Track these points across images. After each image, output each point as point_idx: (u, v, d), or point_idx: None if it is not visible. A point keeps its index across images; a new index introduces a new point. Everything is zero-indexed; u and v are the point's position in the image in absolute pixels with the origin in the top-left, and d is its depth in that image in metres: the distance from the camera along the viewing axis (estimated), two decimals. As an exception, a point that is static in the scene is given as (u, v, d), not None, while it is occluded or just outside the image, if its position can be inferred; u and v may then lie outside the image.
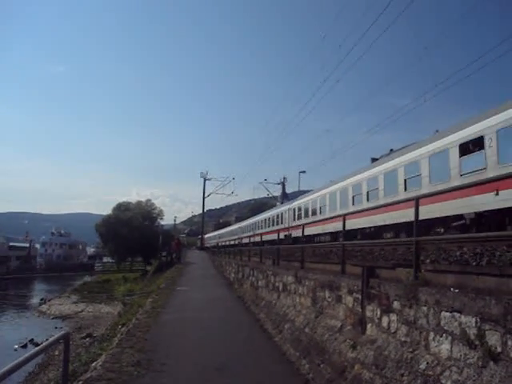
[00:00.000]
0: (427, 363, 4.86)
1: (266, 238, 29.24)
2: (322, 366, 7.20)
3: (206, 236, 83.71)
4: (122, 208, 65.75)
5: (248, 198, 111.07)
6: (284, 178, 60.96)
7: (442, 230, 13.89)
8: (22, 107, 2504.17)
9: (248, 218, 61.50)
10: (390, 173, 17.62)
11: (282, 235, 26.66)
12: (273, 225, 37.54)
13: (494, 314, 4.01)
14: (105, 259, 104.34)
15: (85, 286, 51.37)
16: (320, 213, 25.47)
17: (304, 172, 57.65)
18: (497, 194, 11.17)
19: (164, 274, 30.50)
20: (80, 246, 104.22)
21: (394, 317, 5.88)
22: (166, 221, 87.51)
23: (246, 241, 33.59)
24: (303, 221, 27.14)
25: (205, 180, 68.02)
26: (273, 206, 52.96)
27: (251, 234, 40.32)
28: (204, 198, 69.17)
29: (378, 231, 17.59)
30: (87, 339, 21.95)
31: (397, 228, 15.88)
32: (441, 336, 4.78)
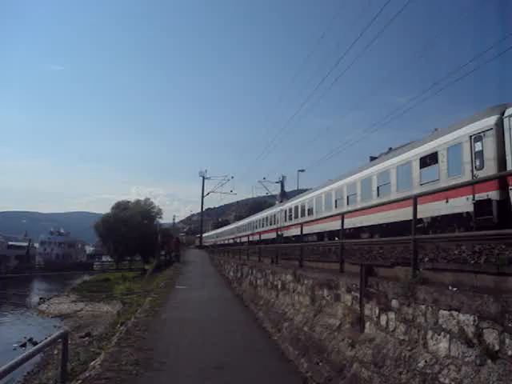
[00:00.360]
0: (425, 361, 4.87)
1: (261, 236, 30.56)
2: (320, 364, 7.21)
3: (205, 235, 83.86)
4: (120, 207, 65.76)
5: (247, 197, 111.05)
6: (283, 177, 60.87)
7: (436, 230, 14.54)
8: (22, 106, 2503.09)
9: (246, 216, 61.61)
10: (366, 180, 19.75)
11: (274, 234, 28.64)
12: (267, 225, 39.44)
13: (492, 312, 4.02)
14: (104, 258, 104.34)
15: (84, 285, 51.36)
16: (308, 214, 27.37)
17: (303, 170, 57.65)
18: (447, 202, 13.21)
19: (163, 273, 30.51)
20: (79, 245, 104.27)
21: (392, 315, 5.89)
22: (165, 220, 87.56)
23: (242, 240, 34.59)
24: (293, 221, 29.18)
25: (204, 179, 67.90)
26: (272, 204, 53.13)
27: (247, 233, 41.14)
28: (203, 197, 69.07)
29: (355, 232, 19.06)
30: (86, 338, 21.92)
31: (372, 229, 17.68)
32: (439, 334, 4.79)
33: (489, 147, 12.71)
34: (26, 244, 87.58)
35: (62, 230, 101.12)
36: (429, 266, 6.40)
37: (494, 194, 12.07)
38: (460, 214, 13.23)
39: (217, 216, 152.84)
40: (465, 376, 4.20)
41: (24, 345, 23.28)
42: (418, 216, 13.47)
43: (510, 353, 3.78)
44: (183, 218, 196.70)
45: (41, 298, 43.26)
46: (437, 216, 13.99)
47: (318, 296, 9.03)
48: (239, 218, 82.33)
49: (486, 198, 12.31)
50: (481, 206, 12.42)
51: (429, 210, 13.76)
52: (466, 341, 4.30)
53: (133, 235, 58.49)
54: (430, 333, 4.98)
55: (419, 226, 14.14)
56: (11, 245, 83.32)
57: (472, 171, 13.14)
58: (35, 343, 20.72)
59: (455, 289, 4.80)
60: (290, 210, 31.97)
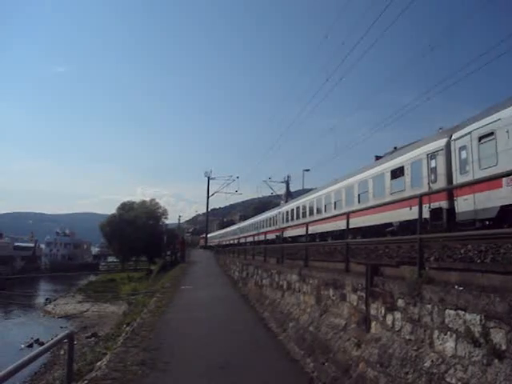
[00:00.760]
0: (432, 361, 4.85)
1: (262, 237, 31.74)
2: (326, 364, 7.19)
3: (209, 235, 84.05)
4: (126, 208, 65.91)
5: (252, 197, 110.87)
6: (288, 177, 60.84)
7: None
8: (26, 107, 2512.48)
9: (251, 216, 61.67)
10: (349, 188, 22.45)
11: (274, 235, 30.85)
12: (267, 226, 41.76)
13: (499, 311, 3.99)
14: (109, 259, 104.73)
15: (90, 286, 51.56)
16: (302, 217, 30.11)
17: (308, 170, 57.46)
18: (410, 209, 14.63)
19: (168, 273, 30.58)
20: (85, 246, 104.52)
21: (398, 315, 5.87)
22: (171, 220, 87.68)
23: (244, 240, 35.47)
24: (289, 223, 32.12)
25: (209, 179, 68.01)
26: (277, 204, 53.27)
27: (249, 234, 42.55)
28: (208, 197, 69.22)
29: (342, 234, 19.96)
30: (92, 338, 22.01)
31: (355, 232, 19.16)
32: (445, 334, 4.76)
33: (440, 164, 15.14)
34: (32, 245, 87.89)
35: (67, 231, 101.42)
36: (435, 266, 6.37)
37: (444, 204, 14.46)
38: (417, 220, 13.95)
39: (222, 216, 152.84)
40: (472, 376, 4.18)
41: (31, 345, 23.40)
42: (389, 220, 16.08)
43: (517, 352, 3.76)
44: (189, 218, 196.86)
45: (47, 299, 43.45)
46: (404, 221, 15.98)
47: (323, 296, 9.01)
48: (244, 218, 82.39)
49: (438, 206, 14.63)
50: (435, 213, 14.77)
51: (397, 215, 16.24)
52: (473, 340, 4.28)
53: (138, 236, 58.57)
54: (436, 332, 4.95)
55: (390, 229, 17.36)
56: (17, 246, 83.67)
57: (429, 183, 15.63)
58: (42, 343, 20.81)
59: (461, 288, 4.78)
60: (287, 212, 34.89)
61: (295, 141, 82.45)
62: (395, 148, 21.47)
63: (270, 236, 34.59)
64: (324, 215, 23.56)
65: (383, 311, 6.29)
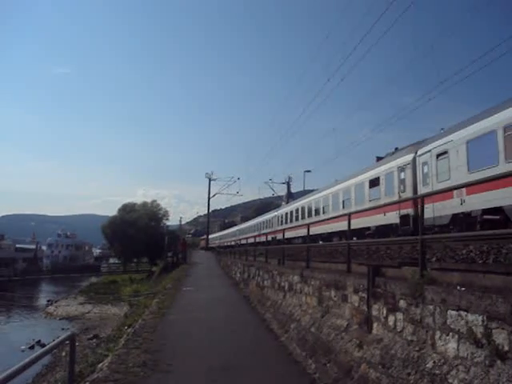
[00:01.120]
0: (434, 362, 4.84)
1: (259, 238, 31.91)
2: (328, 365, 7.18)
3: (210, 237, 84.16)
4: (127, 209, 65.90)
5: (253, 198, 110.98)
6: (289, 178, 60.86)
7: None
8: (28, 109, 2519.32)
9: (252, 218, 61.80)
10: (335, 194, 24.94)
11: (270, 237, 31.49)
12: (265, 228, 43.90)
13: (501, 312, 3.98)
14: (111, 260, 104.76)
15: (91, 287, 51.56)
16: (295, 220, 32.79)
17: (309, 171, 57.39)
18: (384, 215, 17.47)
19: (170, 275, 30.56)
20: (86, 248, 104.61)
21: (400, 316, 5.86)
22: (172, 221, 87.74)
23: (245, 242, 36.10)
24: (284, 226, 33.65)
25: (210, 180, 68.00)
26: (278, 205, 53.44)
27: (247, 235, 43.18)
28: (209, 199, 69.22)
29: (329, 236, 22.89)
30: (94, 340, 22.04)
31: (340, 234, 21.30)
32: (447, 335, 4.75)
33: (408, 176, 17.31)
34: (33, 247, 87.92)
35: (69, 233, 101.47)
36: (436, 266, 6.36)
37: (410, 211, 16.19)
38: (391, 225, 17.63)
39: (223, 217, 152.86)
40: (474, 377, 4.16)
41: (32, 347, 23.41)
42: (368, 225, 18.04)
43: (519, 353, 3.75)
44: (190, 219, 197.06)
45: (48, 301, 43.49)
46: (379, 225, 18.14)
47: (325, 297, 9.01)
48: (245, 219, 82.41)
49: (406, 213, 16.48)
50: (404, 219, 16.67)
51: (374, 220, 18.35)
52: (475, 341, 4.27)
53: (140, 237, 58.57)
54: (438, 333, 4.94)
55: (368, 232, 19.39)
56: (19, 247, 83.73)
57: (399, 193, 17.79)
58: (43, 345, 20.83)
59: (463, 289, 4.77)
60: (282, 216, 37.90)
61: (296, 142, 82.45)
62: (396, 149, 21.46)
63: (268, 237, 34.93)
64: (314, 219, 25.57)
65: (385, 312, 6.28)
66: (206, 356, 8.51)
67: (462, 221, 13.52)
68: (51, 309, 38.52)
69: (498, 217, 12.13)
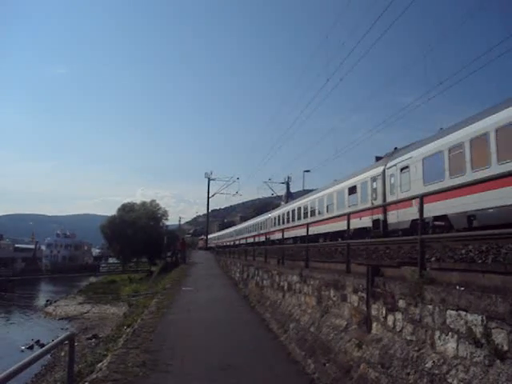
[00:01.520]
0: (433, 362, 4.84)
1: (255, 239, 32.49)
2: (327, 365, 7.18)
3: (209, 237, 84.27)
4: (126, 209, 65.77)
5: (252, 198, 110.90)
6: (288, 178, 60.86)
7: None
8: (26, 109, 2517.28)
9: (251, 218, 61.91)
10: (321, 199, 27.50)
11: (264, 238, 33.43)
12: (259, 229, 46.03)
13: (501, 311, 3.98)
14: (110, 260, 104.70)
15: (90, 287, 51.52)
16: (286, 222, 35.10)
17: (308, 171, 57.27)
18: (360, 219, 19.28)
19: (169, 275, 30.53)
20: (85, 247, 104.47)
21: (399, 315, 5.86)
22: (171, 221, 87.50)
23: (243, 241, 37.43)
24: (276, 227, 36.47)
25: (209, 180, 67.95)
26: (277, 205, 53.58)
27: (244, 236, 44.92)
28: (208, 198, 69.19)
29: (316, 237, 24.19)
30: (93, 340, 22.04)
31: (325, 236, 23.76)
32: (447, 334, 4.75)
33: (379, 186, 19.60)
34: (32, 246, 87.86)
35: (68, 233, 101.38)
36: (436, 266, 6.36)
37: (380, 216, 18.68)
38: (365, 228, 19.76)
39: (223, 217, 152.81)
40: (473, 377, 4.17)
41: (31, 347, 23.40)
42: (345, 227, 16.71)
43: (519, 353, 3.76)
44: (189, 219, 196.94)
45: (47, 301, 43.46)
46: (356, 228, 19.57)
47: (324, 296, 9.01)
48: (245, 219, 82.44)
49: (377, 218, 18.87)
50: (375, 223, 19.04)
51: (352, 224, 18.58)
52: (475, 341, 4.27)
53: (139, 237, 58.47)
54: (437, 333, 4.94)
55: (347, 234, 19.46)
56: (18, 247, 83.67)
57: (371, 200, 20.13)
58: (42, 345, 20.85)
59: (463, 288, 4.77)
60: (275, 218, 40.61)
61: (296, 142, 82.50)
62: (395, 148, 21.44)
63: (262, 238, 35.62)
64: (303, 221, 28.11)
65: (384, 312, 6.28)
66: (205, 356, 8.52)
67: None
68: (50, 309, 38.50)
69: (443, 223, 14.15)
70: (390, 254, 9.71)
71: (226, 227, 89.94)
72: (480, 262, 6.35)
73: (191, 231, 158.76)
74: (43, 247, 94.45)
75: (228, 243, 54.69)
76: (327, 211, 25.38)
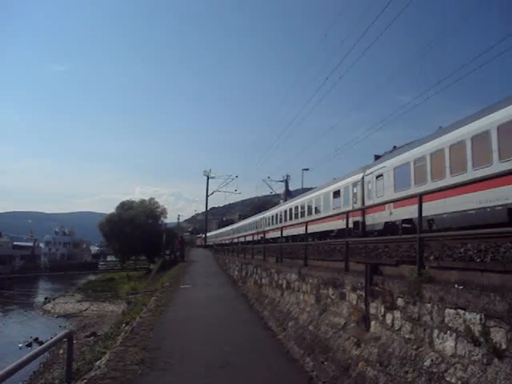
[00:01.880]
0: (432, 360, 4.85)
1: (251, 237, 33.80)
2: (326, 363, 7.19)
3: (207, 235, 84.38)
4: (125, 207, 65.73)
5: (251, 196, 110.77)
6: (287, 176, 60.82)
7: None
8: (25, 106, 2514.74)
9: (250, 216, 61.99)
10: (309, 202, 29.87)
11: (259, 237, 34.67)
12: (255, 228, 47.33)
13: (499, 310, 3.99)
14: (109, 258, 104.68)
15: (89, 285, 51.51)
16: (279, 222, 36.88)
17: (307, 169, 57.31)
18: (343, 221, 18.44)
19: (168, 273, 30.54)
20: (84, 245, 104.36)
21: (397, 314, 5.87)
22: (170, 219, 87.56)
23: (241, 240, 38.27)
24: (270, 227, 38.43)
25: (208, 178, 67.90)
26: (276, 203, 53.66)
27: (240, 234, 46.27)
28: (207, 196, 69.11)
29: (305, 236, 23.43)
30: (91, 338, 21.99)
31: (313, 235, 24.64)
32: (445, 333, 4.76)
33: (359, 191, 21.51)
34: (31, 244, 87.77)
35: (66, 230, 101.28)
36: (434, 265, 6.37)
37: (360, 218, 20.38)
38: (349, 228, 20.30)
39: (221, 215, 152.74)
40: (471, 375, 4.17)
41: (30, 344, 23.39)
42: (331, 228, 22.84)
43: (517, 351, 3.77)
44: (188, 217, 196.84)
45: (46, 298, 43.40)
46: (339, 229, 21.38)
47: (323, 295, 9.01)
48: (243, 217, 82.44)
49: (357, 220, 20.47)
50: (355, 224, 20.51)
51: (336, 225, 21.76)
52: (473, 339, 4.27)
53: (137, 235, 58.46)
54: (436, 331, 4.95)
55: (332, 234, 22.90)
56: (16, 245, 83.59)
57: (352, 204, 21.86)
58: (41, 343, 20.80)
59: (461, 287, 4.77)
60: (269, 218, 42.83)
61: (294, 140, 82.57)
62: (394, 147, 21.45)
63: (257, 237, 36.01)
64: (294, 222, 30.66)
65: (383, 310, 6.29)
66: (203, 354, 8.52)
67: (391, 227, 17.32)
68: (49, 306, 38.45)
69: (409, 225, 15.61)
70: (388, 253, 9.73)
71: (225, 225, 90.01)
72: (479, 260, 6.36)
73: (190, 229, 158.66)
74: (42, 245, 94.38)
75: (226, 241, 54.84)
76: (315, 212, 27.77)
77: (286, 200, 47.42)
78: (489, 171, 11.62)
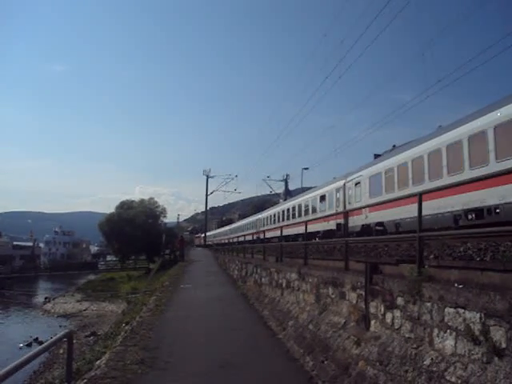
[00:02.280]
0: (431, 359, 4.85)
1: (247, 237, 34.84)
2: (326, 362, 7.19)
3: (207, 234, 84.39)
4: (125, 206, 65.75)
5: (251, 195, 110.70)
6: (287, 175, 60.78)
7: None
8: (25, 107, 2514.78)
9: (250, 215, 62.03)
10: (301, 204, 31.39)
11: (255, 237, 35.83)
12: (252, 228, 48.59)
13: (499, 309, 3.99)
14: (108, 257, 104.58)
15: (89, 285, 51.54)
16: (275, 223, 38.33)
17: (307, 169, 57.14)
18: (328, 223, 22.79)
19: (167, 272, 30.55)
20: (84, 245, 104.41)
21: (397, 313, 5.86)
22: (170, 219, 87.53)
23: (235, 240, 40.45)
24: (265, 227, 39.38)
25: (208, 178, 67.88)
26: (275, 203, 53.66)
27: (238, 234, 46.85)
28: (207, 196, 69.09)
29: (296, 237, 26.91)
30: (91, 337, 22.04)
31: (302, 235, 24.57)
32: (445, 332, 4.76)
33: (341, 196, 23.33)
34: (31, 244, 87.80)
35: (66, 230, 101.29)
36: (434, 264, 6.36)
37: (341, 221, 20.54)
38: (331, 230, 23.04)
39: (221, 215, 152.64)
40: (471, 374, 4.18)
41: (30, 344, 23.42)
42: (317, 229, 25.00)
43: (517, 350, 3.77)
44: (188, 216, 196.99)
45: (46, 298, 43.44)
46: (325, 230, 23.70)
47: (322, 294, 9.01)
48: (243, 216, 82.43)
49: (340, 222, 21.43)
50: (338, 226, 22.02)
51: (322, 226, 23.64)
52: (473, 338, 4.27)
53: (137, 234, 58.47)
54: (435, 330, 4.95)
55: (319, 235, 24.79)
56: (16, 245, 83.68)
57: (336, 208, 23.85)
58: (41, 342, 20.81)
59: (461, 286, 4.77)
60: (264, 218, 44.30)
61: (294, 139, 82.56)
62: (394, 146, 21.43)
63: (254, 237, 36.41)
64: (286, 222, 32.33)
65: (383, 309, 6.29)
66: (203, 353, 8.52)
67: (366, 229, 19.16)
68: (49, 306, 38.50)
69: (381, 228, 17.75)
70: (388, 252, 9.72)
71: (225, 225, 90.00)
72: (478, 259, 6.36)
73: (190, 229, 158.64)
74: (42, 245, 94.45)
75: (226, 241, 55.13)
76: (305, 214, 29.81)
77: (285, 199, 47.46)
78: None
